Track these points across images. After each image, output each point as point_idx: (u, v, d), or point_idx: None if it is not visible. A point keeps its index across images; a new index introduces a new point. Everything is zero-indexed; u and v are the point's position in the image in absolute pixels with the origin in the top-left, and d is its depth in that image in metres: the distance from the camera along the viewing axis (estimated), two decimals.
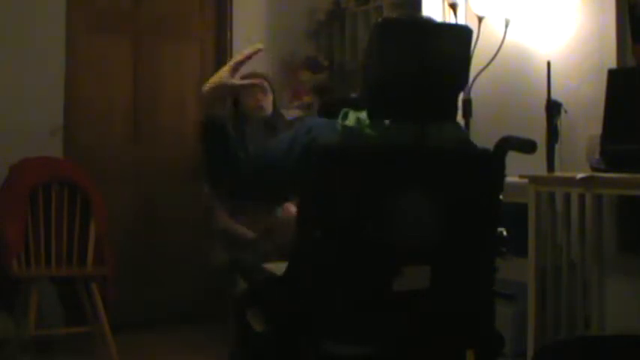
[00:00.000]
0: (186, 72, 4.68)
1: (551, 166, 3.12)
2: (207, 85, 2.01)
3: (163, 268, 4.49)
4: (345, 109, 1.96)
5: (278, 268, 2.08)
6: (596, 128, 3.00)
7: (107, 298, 3.74)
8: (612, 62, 3.15)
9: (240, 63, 2.00)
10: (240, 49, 2.06)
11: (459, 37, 2.00)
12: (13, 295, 3.71)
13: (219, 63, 4.67)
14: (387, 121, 1.93)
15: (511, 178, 2.30)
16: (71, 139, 4.23)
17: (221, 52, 4.71)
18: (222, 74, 1.99)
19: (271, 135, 3.35)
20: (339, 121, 1.94)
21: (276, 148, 1.97)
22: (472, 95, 3.69)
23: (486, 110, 3.73)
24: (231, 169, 1.99)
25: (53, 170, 3.92)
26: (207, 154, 2.04)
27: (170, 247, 4.52)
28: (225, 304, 3.39)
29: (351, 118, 1.93)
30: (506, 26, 3.65)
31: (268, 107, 3.44)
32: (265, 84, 3.45)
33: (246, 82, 2.09)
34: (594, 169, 2.90)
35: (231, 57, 4.60)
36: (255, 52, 1.99)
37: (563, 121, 3.21)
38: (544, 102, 3.17)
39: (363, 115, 1.94)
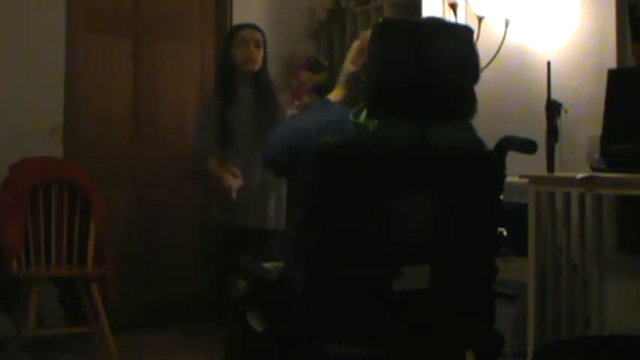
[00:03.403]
0: (186, 72, 4.68)
1: (551, 166, 3.12)
2: None
3: (163, 268, 4.49)
4: (362, 104, 1.97)
5: (278, 268, 2.08)
6: (596, 128, 3.00)
7: (107, 298, 3.74)
8: (612, 62, 3.15)
9: None
10: None
11: (459, 37, 2.00)
12: (13, 295, 3.71)
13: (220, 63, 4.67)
14: (393, 121, 1.93)
15: (511, 178, 2.30)
16: (71, 139, 4.23)
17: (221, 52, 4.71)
18: None
19: (260, 96, 3.38)
20: (352, 117, 1.95)
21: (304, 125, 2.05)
22: None
23: (486, 110, 3.72)
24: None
25: (53, 170, 3.91)
26: None
27: (170, 247, 4.52)
28: (222, 290, 3.39)
29: (363, 115, 1.94)
30: (506, 26, 3.64)
31: (259, 61, 3.43)
32: (258, 36, 3.44)
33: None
34: (594, 169, 2.90)
35: None
36: None
37: (563, 121, 3.21)
38: (544, 102, 3.17)
39: None
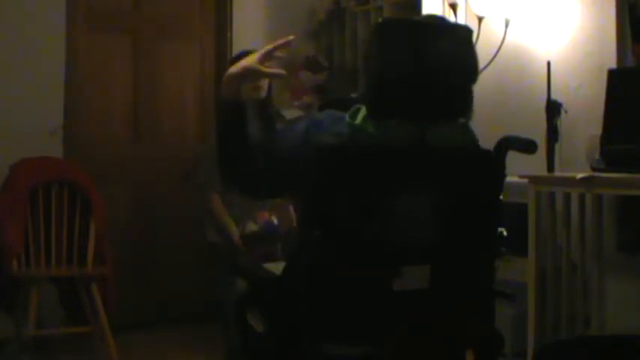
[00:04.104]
0: (186, 72, 4.69)
1: (551, 166, 3.12)
2: (234, 67, 1.98)
3: (163, 268, 4.49)
4: (357, 106, 1.96)
5: (278, 268, 2.08)
6: (596, 128, 3.01)
7: (107, 298, 3.74)
8: (612, 62, 3.16)
9: (271, 52, 1.98)
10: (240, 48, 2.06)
11: (459, 37, 2.00)
12: (13, 295, 3.71)
13: (220, 63, 4.67)
14: (392, 121, 1.93)
15: (511, 178, 2.30)
16: (71, 139, 4.23)
17: (221, 52, 4.71)
18: (251, 59, 1.97)
19: (265, 122, 3.35)
20: (348, 118, 1.94)
21: (287, 142, 1.95)
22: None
23: (486, 110, 3.72)
24: (246, 158, 1.95)
25: (53, 170, 3.91)
26: (222, 138, 2.00)
27: (170, 248, 4.52)
28: (221, 299, 3.39)
29: (360, 117, 1.93)
30: (506, 26, 3.65)
31: (265, 87, 3.41)
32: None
33: (273, 71, 2.06)
34: (594, 169, 2.90)
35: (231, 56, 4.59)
36: (287, 43, 1.99)
37: (563, 121, 3.21)
38: (544, 102, 3.17)
39: None
